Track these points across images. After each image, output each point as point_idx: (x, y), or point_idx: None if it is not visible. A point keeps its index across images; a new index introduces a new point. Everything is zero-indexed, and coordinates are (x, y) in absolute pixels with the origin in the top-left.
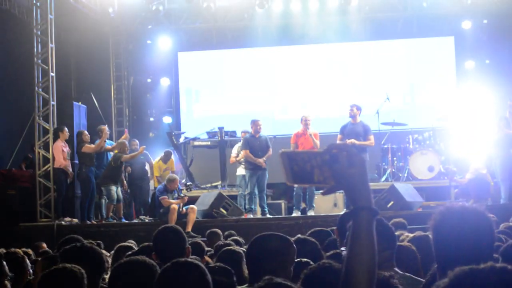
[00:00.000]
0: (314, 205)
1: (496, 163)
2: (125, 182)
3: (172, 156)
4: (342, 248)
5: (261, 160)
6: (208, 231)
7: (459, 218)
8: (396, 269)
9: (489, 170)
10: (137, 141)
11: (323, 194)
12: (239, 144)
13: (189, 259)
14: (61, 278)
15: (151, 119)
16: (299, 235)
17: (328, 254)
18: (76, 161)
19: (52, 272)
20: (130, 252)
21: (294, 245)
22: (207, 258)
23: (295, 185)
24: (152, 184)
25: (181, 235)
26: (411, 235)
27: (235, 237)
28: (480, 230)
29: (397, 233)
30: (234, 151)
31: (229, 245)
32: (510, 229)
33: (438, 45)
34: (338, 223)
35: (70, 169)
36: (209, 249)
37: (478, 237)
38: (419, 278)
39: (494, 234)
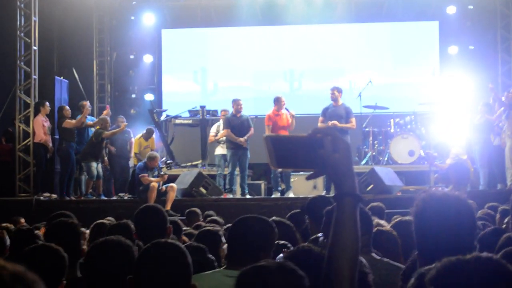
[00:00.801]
0: (291, 186)
1: (475, 149)
2: (106, 158)
3: (154, 134)
4: (319, 234)
5: (242, 139)
6: (187, 210)
7: (441, 206)
8: (373, 254)
9: (469, 156)
10: (123, 118)
11: (307, 179)
12: (219, 123)
13: (169, 240)
14: (44, 256)
15: (133, 95)
16: (274, 217)
17: (311, 238)
18: (57, 136)
19: (36, 249)
20: (109, 228)
21: (276, 229)
22: (184, 237)
23: (279, 170)
24: (131, 162)
25: (162, 215)
26: (381, 221)
27: (214, 217)
28: (461, 218)
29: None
30: (213, 130)
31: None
32: (487, 216)
33: (422, 30)
34: (308, 207)
35: (50, 144)
36: (187, 228)
37: (460, 225)
38: (398, 264)
39: (475, 222)
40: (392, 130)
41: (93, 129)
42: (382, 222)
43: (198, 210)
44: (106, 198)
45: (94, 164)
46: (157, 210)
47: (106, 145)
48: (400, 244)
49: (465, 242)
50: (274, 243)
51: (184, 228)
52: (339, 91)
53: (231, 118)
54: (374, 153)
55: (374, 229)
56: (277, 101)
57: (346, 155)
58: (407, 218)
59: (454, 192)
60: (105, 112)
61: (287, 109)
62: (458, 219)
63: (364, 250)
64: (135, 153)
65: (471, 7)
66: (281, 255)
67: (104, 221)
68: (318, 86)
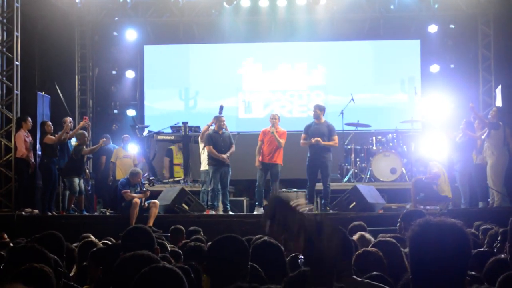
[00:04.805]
0: None
1: (456, 167)
2: (87, 171)
3: (129, 143)
4: (300, 256)
5: (224, 156)
6: (172, 227)
7: (437, 232)
8: (354, 276)
9: (450, 174)
10: (109, 137)
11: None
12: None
13: (167, 265)
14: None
15: (115, 111)
16: (266, 238)
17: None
18: (39, 152)
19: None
20: (95, 249)
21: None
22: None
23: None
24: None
25: (150, 236)
26: (367, 235)
27: (198, 236)
28: (457, 246)
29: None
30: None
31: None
32: (472, 235)
33: (404, 48)
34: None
35: (32, 160)
36: (172, 245)
37: (455, 253)
38: (380, 285)
39: (470, 250)
40: (374, 148)
41: (73, 144)
42: (367, 235)
43: (182, 228)
44: (88, 214)
45: (76, 180)
46: (145, 231)
47: (87, 160)
48: (386, 265)
49: (459, 270)
50: (249, 259)
51: (170, 246)
52: (321, 109)
53: (213, 135)
54: (356, 171)
55: (361, 250)
56: (270, 119)
57: (337, 247)
58: (389, 238)
59: (450, 219)
60: (82, 123)
61: (271, 126)
62: (453, 247)
63: (345, 274)
64: (111, 162)
65: (452, 26)
66: None
67: (92, 239)
68: (301, 104)
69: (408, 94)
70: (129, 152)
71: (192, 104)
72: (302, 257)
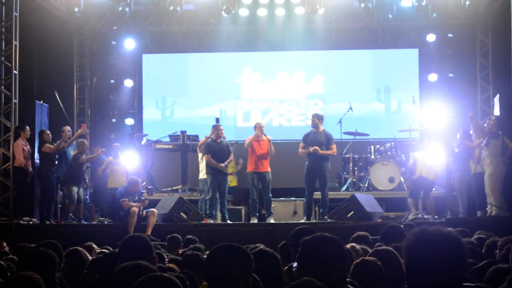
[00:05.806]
0: (272, 212)
1: (454, 176)
2: (87, 180)
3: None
4: (294, 264)
5: (222, 165)
6: (168, 236)
7: (433, 242)
8: (349, 286)
9: (449, 182)
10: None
11: None
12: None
13: (164, 274)
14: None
15: (113, 120)
16: (261, 246)
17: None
18: (37, 160)
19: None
20: (93, 258)
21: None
22: (170, 265)
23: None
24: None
25: (148, 245)
26: (357, 247)
27: (196, 245)
28: (454, 256)
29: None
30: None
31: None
32: (472, 245)
33: (402, 57)
34: (291, 238)
35: (30, 168)
36: (169, 254)
37: (451, 262)
38: None
39: (466, 259)
40: (372, 157)
41: (72, 153)
42: (357, 246)
43: (179, 236)
44: (86, 223)
45: (74, 189)
46: (143, 240)
47: (86, 169)
48: (384, 274)
49: (455, 279)
50: (252, 270)
51: (167, 254)
52: (319, 118)
53: (211, 144)
54: (354, 180)
55: (359, 259)
56: (256, 128)
57: None
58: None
59: (446, 228)
60: (80, 130)
61: (264, 134)
62: (450, 256)
63: (340, 284)
64: (101, 169)
65: (450, 35)
66: None
67: (79, 248)
68: (299, 113)
69: (406, 103)
70: (119, 160)
71: (191, 113)
72: (296, 264)
